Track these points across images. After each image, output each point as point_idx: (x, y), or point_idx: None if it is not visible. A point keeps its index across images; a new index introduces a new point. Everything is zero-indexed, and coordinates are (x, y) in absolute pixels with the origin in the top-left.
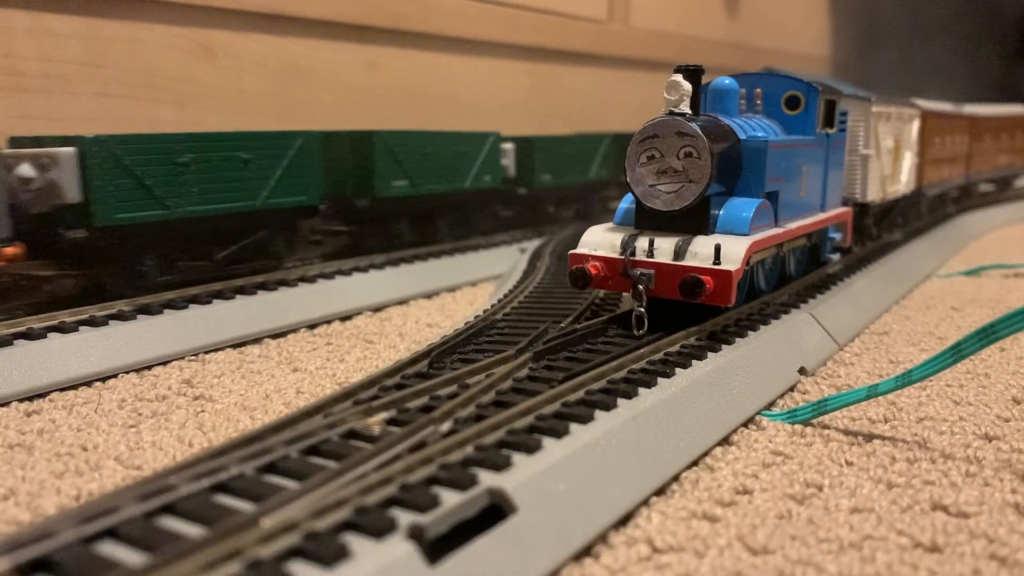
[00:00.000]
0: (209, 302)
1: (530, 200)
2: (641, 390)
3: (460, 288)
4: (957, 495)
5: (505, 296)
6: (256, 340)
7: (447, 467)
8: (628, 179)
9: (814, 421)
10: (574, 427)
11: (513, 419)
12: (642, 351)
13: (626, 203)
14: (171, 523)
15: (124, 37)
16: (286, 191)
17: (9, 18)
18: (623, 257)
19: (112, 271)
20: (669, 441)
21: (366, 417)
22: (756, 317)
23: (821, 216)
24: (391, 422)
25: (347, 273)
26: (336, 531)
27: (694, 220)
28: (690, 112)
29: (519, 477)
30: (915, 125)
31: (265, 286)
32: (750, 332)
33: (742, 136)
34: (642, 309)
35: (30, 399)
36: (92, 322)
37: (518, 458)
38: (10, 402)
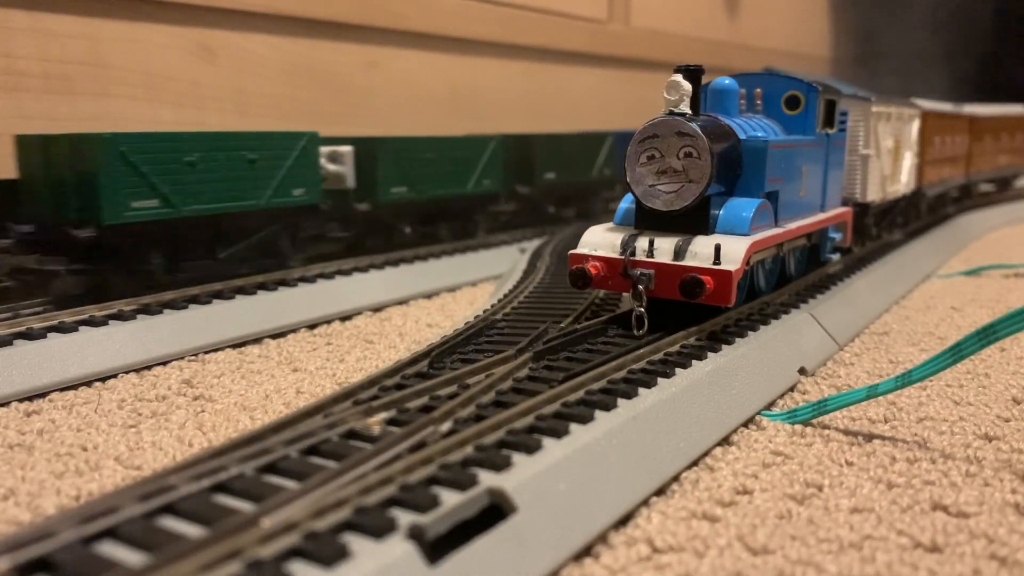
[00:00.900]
0: (209, 302)
1: (371, 219)
2: (641, 390)
3: (460, 288)
4: (957, 495)
5: (505, 296)
6: (256, 340)
7: (447, 467)
8: (628, 179)
9: (814, 421)
10: (574, 427)
11: (513, 419)
12: (642, 351)
13: (626, 203)
14: (171, 523)
15: (124, 37)
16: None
17: (9, 18)
18: (623, 257)
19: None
20: (669, 441)
21: (366, 417)
22: (756, 317)
23: (821, 216)
24: (391, 422)
25: (347, 273)
26: (336, 531)
27: (694, 220)
28: (690, 112)
29: (519, 477)
30: (915, 125)
31: (265, 286)
32: (750, 332)
33: (742, 136)
34: (642, 309)
35: (30, 399)
36: (92, 322)
37: (518, 458)
38: (10, 402)
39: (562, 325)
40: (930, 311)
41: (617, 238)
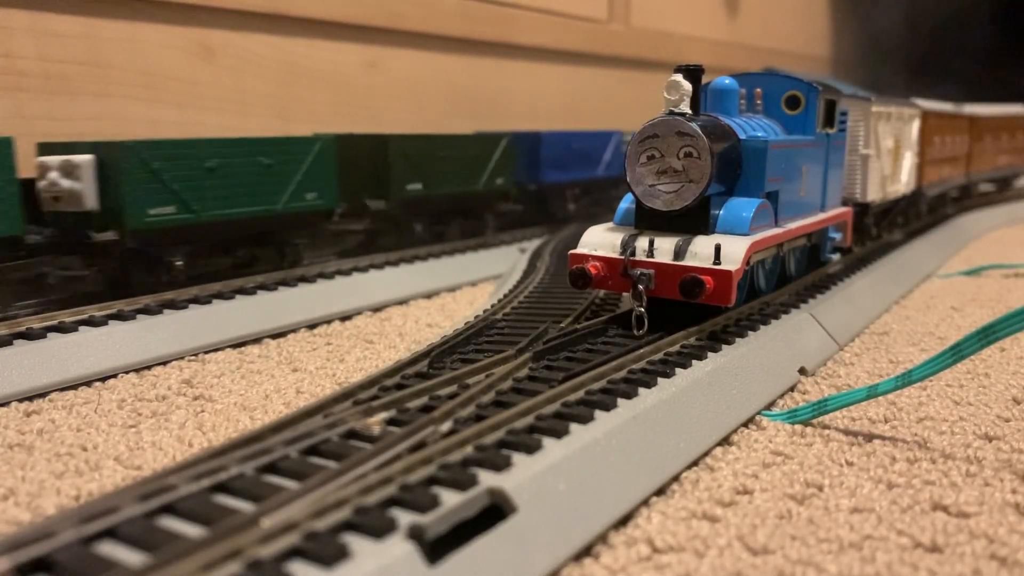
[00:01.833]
0: (209, 302)
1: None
2: (641, 390)
3: (460, 288)
4: (957, 495)
5: (505, 296)
6: (256, 340)
7: (447, 467)
8: (628, 179)
9: (814, 421)
10: (574, 427)
11: (513, 419)
12: (642, 351)
13: (626, 203)
14: (171, 523)
15: (124, 37)
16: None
17: (9, 18)
18: (623, 257)
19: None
20: (669, 441)
21: (366, 417)
22: (756, 317)
23: (821, 216)
24: (391, 422)
25: (347, 273)
26: (336, 531)
27: (694, 220)
28: (690, 112)
29: (519, 477)
30: (915, 125)
31: (265, 286)
32: (750, 332)
33: (742, 136)
34: (642, 309)
35: (30, 399)
36: (92, 322)
37: (518, 458)
38: (10, 402)
39: (562, 325)
40: (930, 311)
41: (617, 238)
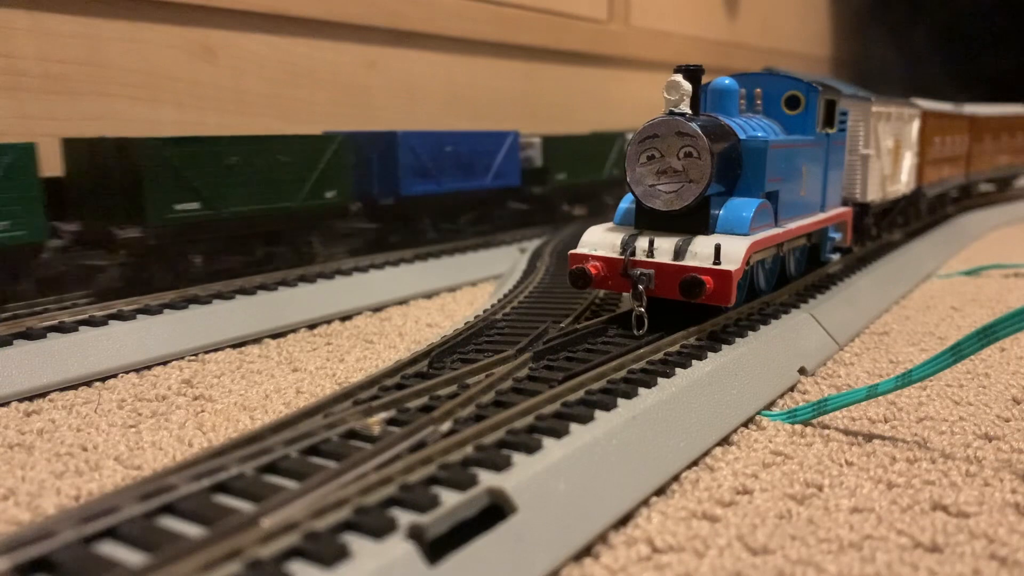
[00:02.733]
0: (209, 302)
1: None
2: (641, 390)
3: (460, 288)
4: (957, 495)
5: (505, 296)
6: (256, 340)
7: (447, 467)
8: (628, 179)
9: (814, 421)
10: (574, 427)
11: (513, 419)
12: (642, 351)
13: (626, 203)
14: (171, 523)
15: (124, 37)
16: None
17: (9, 18)
18: (623, 257)
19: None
20: (669, 441)
21: (366, 417)
22: (756, 317)
23: (821, 216)
24: (391, 422)
25: (347, 273)
26: (336, 531)
27: (694, 220)
28: (690, 112)
29: (519, 477)
30: (915, 125)
31: (265, 286)
32: (750, 332)
33: (742, 136)
34: (642, 309)
35: (30, 399)
36: (92, 322)
37: (518, 458)
38: (10, 402)
39: (562, 325)
40: (930, 311)
41: (617, 238)
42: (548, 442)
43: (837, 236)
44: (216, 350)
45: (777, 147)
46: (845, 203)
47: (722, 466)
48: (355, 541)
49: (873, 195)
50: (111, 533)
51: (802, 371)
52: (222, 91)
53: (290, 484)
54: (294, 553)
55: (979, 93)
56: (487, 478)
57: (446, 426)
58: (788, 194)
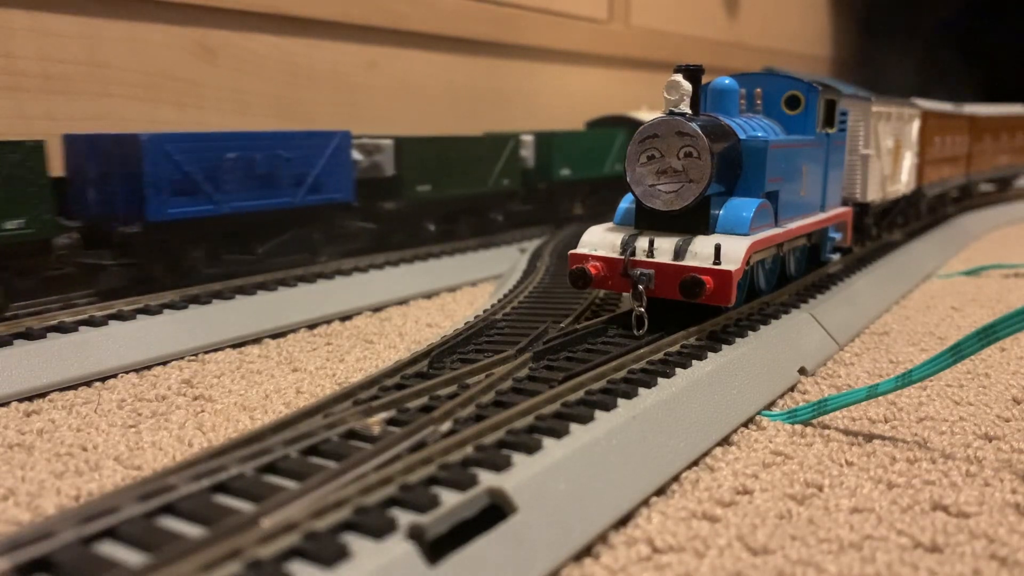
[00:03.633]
0: (209, 302)
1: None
2: (641, 390)
3: (460, 288)
4: (957, 495)
5: (505, 296)
6: (256, 340)
7: (447, 467)
8: (628, 179)
9: (814, 421)
10: (574, 427)
11: (513, 419)
12: (642, 351)
13: (626, 203)
14: (171, 523)
15: (124, 37)
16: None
17: (9, 18)
18: (623, 257)
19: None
20: (669, 441)
21: (366, 417)
22: (756, 317)
23: (821, 216)
24: (391, 422)
25: (347, 273)
26: (336, 531)
27: (694, 220)
28: (690, 112)
29: (519, 477)
30: (915, 125)
31: (265, 286)
32: (750, 332)
33: (742, 136)
34: (642, 309)
35: (30, 399)
36: (92, 322)
37: (518, 458)
38: (10, 402)
39: (562, 325)
40: (930, 311)
41: (617, 238)
42: (548, 442)
43: (837, 236)
44: (216, 350)
45: (777, 147)
46: (845, 203)
47: (722, 466)
48: (355, 541)
49: (873, 195)
50: (111, 533)
51: (802, 371)
52: (222, 91)
53: (290, 484)
54: (294, 553)
55: (979, 93)
56: (487, 478)
57: (446, 426)
58: (788, 194)
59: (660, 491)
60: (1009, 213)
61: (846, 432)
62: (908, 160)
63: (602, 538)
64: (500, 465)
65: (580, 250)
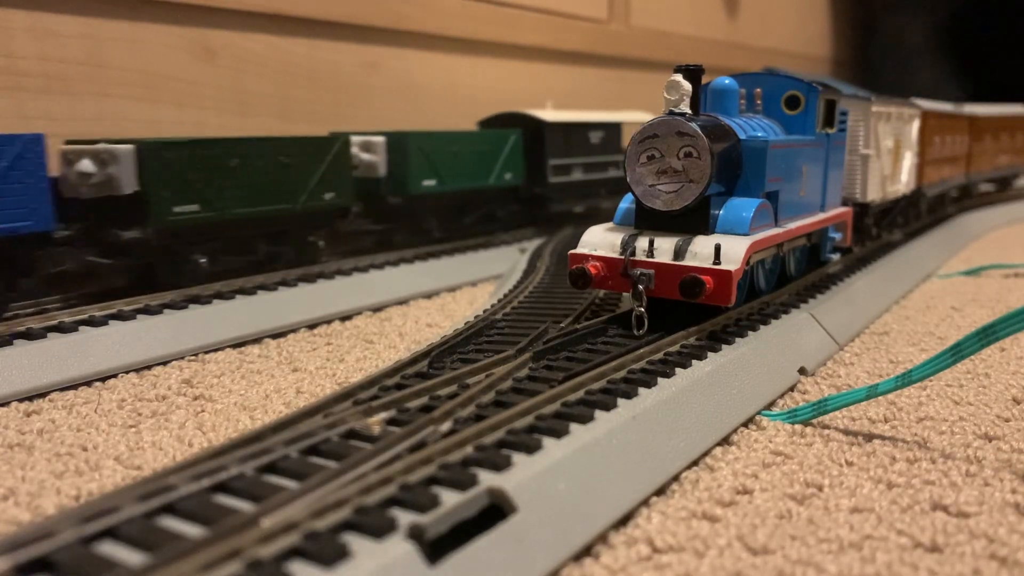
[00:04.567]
0: (209, 302)
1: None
2: (641, 390)
3: (460, 288)
4: (957, 495)
5: (505, 296)
6: (256, 340)
7: (447, 467)
8: (628, 179)
9: (814, 421)
10: (574, 427)
11: (513, 419)
12: (642, 351)
13: (626, 203)
14: (171, 523)
15: (124, 37)
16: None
17: (9, 18)
18: (623, 257)
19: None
20: (669, 441)
21: (366, 417)
22: (756, 317)
23: (821, 216)
24: (391, 422)
25: (347, 273)
26: (336, 531)
27: (694, 220)
28: (690, 112)
29: (519, 477)
30: (915, 125)
31: (265, 286)
32: (750, 332)
33: (742, 136)
34: (642, 309)
35: (30, 399)
36: (92, 322)
37: (518, 458)
38: (10, 402)
39: (562, 325)
40: (930, 311)
41: (617, 238)
42: (548, 442)
43: (837, 236)
44: (216, 350)
45: (777, 147)
46: (845, 203)
47: (722, 466)
48: (355, 541)
49: (873, 195)
50: (111, 533)
51: (802, 371)
52: (222, 91)
53: (290, 484)
54: (294, 553)
55: (979, 93)
56: (487, 478)
57: (446, 426)
58: (788, 194)
59: (660, 491)
60: (1009, 213)
61: (846, 432)
62: (908, 160)
63: (602, 538)
64: (500, 465)
65: (580, 250)
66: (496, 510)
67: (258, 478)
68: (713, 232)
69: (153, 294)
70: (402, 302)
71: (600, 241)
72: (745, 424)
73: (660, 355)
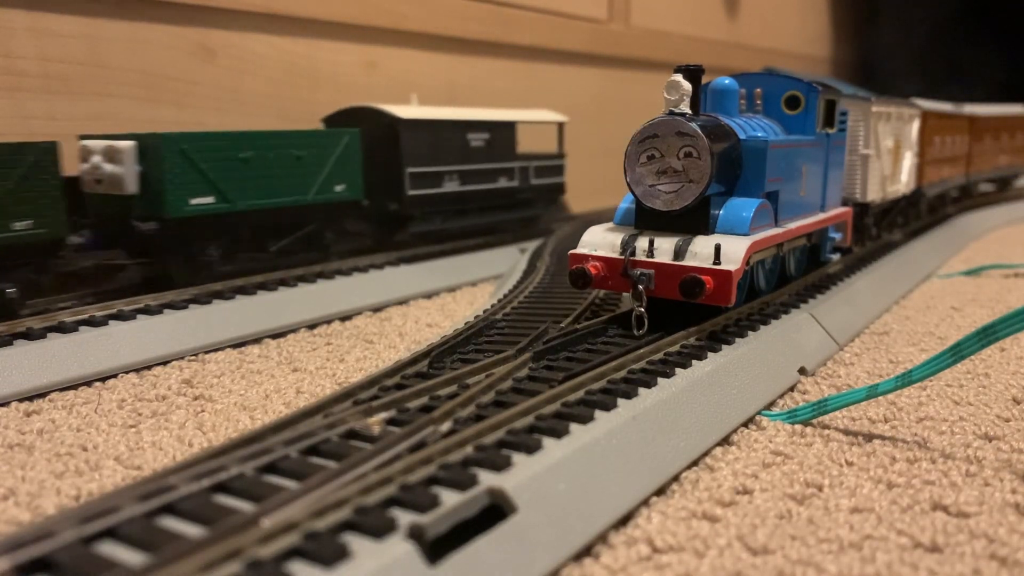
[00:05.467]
0: (209, 302)
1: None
2: (641, 390)
3: (460, 288)
4: (957, 495)
5: (505, 296)
6: (256, 340)
7: (447, 467)
8: (628, 179)
9: (814, 421)
10: (574, 427)
11: (513, 419)
12: (642, 351)
13: (626, 203)
14: (171, 523)
15: (124, 37)
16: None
17: (9, 18)
18: (623, 257)
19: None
20: (669, 441)
21: (366, 417)
22: (756, 317)
23: (821, 216)
24: (391, 422)
25: (347, 273)
26: (336, 531)
27: (694, 220)
28: (690, 112)
29: (519, 477)
30: (915, 125)
31: (265, 286)
32: (750, 332)
33: (742, 136)
34: (642, 309)
35: (30, 399)
36: (92, 322)
37: (518, 458)
38: (10, 402)
39: (562, 325)
40: (930, 311)
41: (617, 238)
42: (548, 442)
43: (837, 236)
44: (216, 350)
45: (777, 147)
46: (845, 203)
47: (722, 466)
48: (355, 541)
49: (873, 195)
50: (111, 533)
51: (802, 371)
52: (222, 91)
53: (290, 484)
54: (294, 553)
55: (979, 93)
56: (487, 478)
57: (446, 426)
58: (788, 194)
59: (660, 491)
60: (1009, 213)
61: (846, 432)
62: (908, 160)
63: (602, 538)
64: (500, 465)
65: (580, 250)
66: (496, 510)
67: (258, 478)
68: (713, 232)
69: (153, 294)
70: (402, 302)
71: (600, 241)
72: (745, 424)
73: (660, 355)
